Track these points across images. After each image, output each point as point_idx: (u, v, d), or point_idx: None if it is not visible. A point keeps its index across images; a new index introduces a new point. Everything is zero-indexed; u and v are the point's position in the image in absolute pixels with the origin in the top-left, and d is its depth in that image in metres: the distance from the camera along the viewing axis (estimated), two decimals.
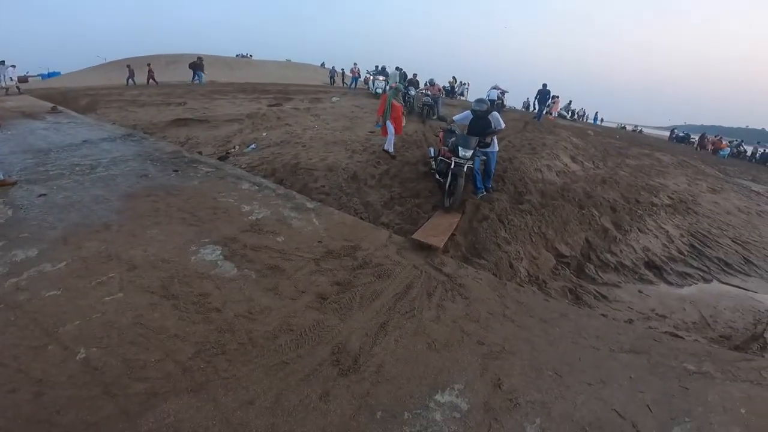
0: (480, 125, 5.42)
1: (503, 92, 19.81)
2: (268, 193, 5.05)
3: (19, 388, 2.03)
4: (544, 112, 17.13)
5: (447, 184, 5.09)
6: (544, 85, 15.74)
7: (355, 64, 22.96)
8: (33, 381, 2.09)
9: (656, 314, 4.26)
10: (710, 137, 22.42)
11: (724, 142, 20.24)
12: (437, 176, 5.60)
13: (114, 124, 9.02)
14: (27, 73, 28.00)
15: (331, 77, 26.80)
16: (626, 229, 5.96)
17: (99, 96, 14.73)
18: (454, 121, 5.95)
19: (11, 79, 15.42)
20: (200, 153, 6.83)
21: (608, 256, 5.29)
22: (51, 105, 10.86)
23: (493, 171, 5.78)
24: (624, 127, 29.74)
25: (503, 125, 5.53)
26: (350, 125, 9.66)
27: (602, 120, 30.85)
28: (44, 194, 4.46)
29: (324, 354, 2.39)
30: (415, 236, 4.10)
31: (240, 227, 3.99)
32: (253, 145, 7.67)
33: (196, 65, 20.96)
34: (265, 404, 2.03)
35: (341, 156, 6.87)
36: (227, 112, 11.26)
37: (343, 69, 28.35)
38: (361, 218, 4.86)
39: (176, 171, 5.46)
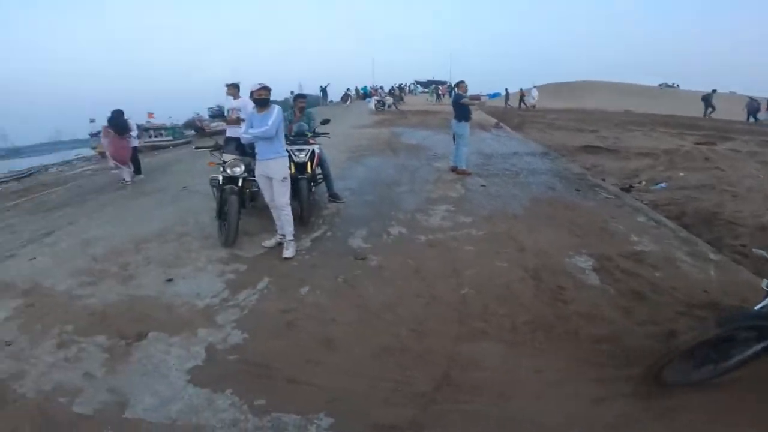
0: None
1: None
2: (666, 232, 4.73)
3: (420, 297, 3.23)
4: None
5: None
6: None
7: None
8: (430, 296, 3.25)
9: None
10: None
11: None
12: None
13: (535, 142, 10.82)
14: (481, 92, 36.83)
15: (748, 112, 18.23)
16: None
17: (526, 117, 17.70)
18: None
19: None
20: (603, 180, 7.14)
21: None
22: (495, 121, 14.26)
23: None
24: None
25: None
26: None
27: None
28: (484, 185, 6.25)
29: None
30: None
31: (620, 251, 4.08)
32: (663, 184, 7.13)
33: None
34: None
35: None
36: (640, 145, 10.78)
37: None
38: None
39: (578, 191, 6.08)
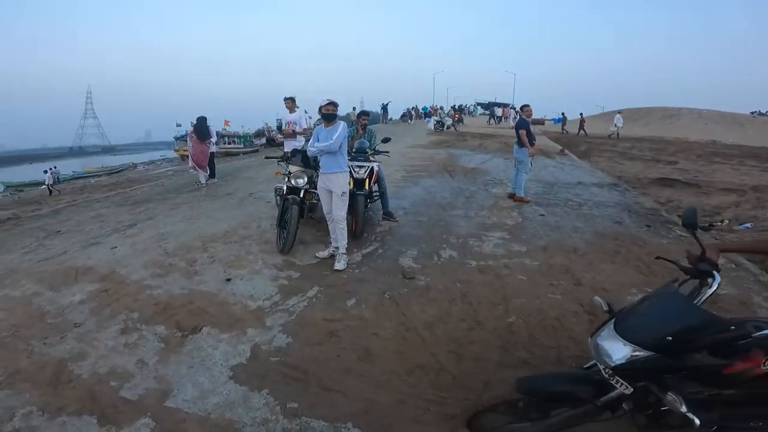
0: None
1: None
2: (745, 275, 4.24)
3: (464, 321, 3.15)
4: None
5: None
6: None
7: None
8: (474, 321, 3.16)
9: None
10: None
11: None
12: None
13: (603, 172, 10.21)
14: (545, 116, 35.40)
15: None
16: None
17: (594, 144, 16.78)
18: None
19: None
20: (679, 216, 6.55)
21: None
22: (560, 147, 13.68)
23: None
24: None
25: None
26: None
27: None
28: (543, 215, 5.98)
29: None
30: None
31: None
32: (748, 224, 6.39)
33: None
34: None
35: None
36: (725, 180, 9.81)
37: None
38: None
39: (648, 226, 5.62)
